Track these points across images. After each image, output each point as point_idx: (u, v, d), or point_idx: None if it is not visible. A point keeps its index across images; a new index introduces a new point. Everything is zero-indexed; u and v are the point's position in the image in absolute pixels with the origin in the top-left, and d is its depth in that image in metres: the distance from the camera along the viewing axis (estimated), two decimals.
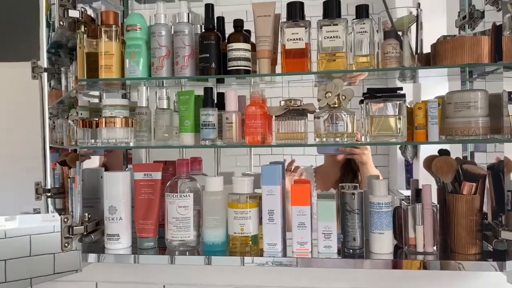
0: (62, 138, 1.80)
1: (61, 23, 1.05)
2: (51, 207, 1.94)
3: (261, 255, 1.01)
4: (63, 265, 2.02)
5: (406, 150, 1.39)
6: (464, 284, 1.10)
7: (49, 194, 1.88)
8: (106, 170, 1.20)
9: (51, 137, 1.92)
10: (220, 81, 1.15)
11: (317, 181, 1.25)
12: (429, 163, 1.07)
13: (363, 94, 1.05)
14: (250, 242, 1.02)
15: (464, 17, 1.11)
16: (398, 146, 1.40)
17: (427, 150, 1.38)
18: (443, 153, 1.04)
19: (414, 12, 1.01)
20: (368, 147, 1.22)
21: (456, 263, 0.95)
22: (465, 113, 0.96)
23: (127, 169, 1.30)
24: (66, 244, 1.01)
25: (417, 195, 1.06)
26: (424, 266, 0.96)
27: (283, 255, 1.01)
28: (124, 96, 1.31)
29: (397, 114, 0.99)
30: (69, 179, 1.61)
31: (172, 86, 1.20)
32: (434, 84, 1.20)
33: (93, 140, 1.12)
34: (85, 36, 1.12)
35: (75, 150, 1.76)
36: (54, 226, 2.04)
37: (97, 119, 1.16)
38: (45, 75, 1.87)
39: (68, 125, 1.67)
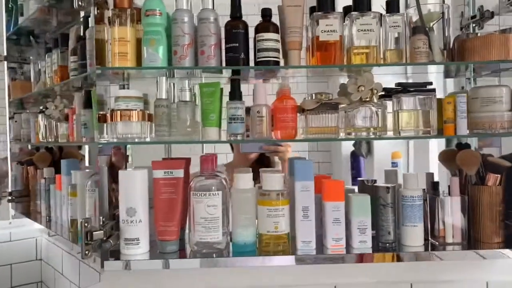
0: (27, 134, 1.62)
1: (79, 3, 0.93)
2: (12, 212, 1.74)
3: (295, 254, 0.98)
4: (23, 277, 1.82)
5: (360, 146, 1.43)
6: (497, 269, 1.14)
7: (9, 198, 1.69)
8: (112, 169, 1.09)
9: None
10: (236, 73, 1.09)
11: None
12: (446, 156, 1.11)
13: (390, 89, 1.05)
14: (286, 240, 0.98)
15: (473, 17, 1.16)
16: (353, 142, 1.44)
17: (382, 147, 1.44)
18: (465, 146, 1.08)
19: (440, 9, 1.03)
20: (291, 145, 1.23)
21: (486, 251, 0.98)
22: (492, 108, 1.00)
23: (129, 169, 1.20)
24: (86, 252, 0.89)
25: (434, 188, 1.09)
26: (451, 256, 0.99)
27: (317, 252, 0.99)
28: (123, 88, 1.20)
29: (427, 108, 1.00)
30: (44, 180, 1.46)
31: (183, 77, 1.12)
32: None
33: (106, 135, 1.01)
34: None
35: (46, 148, 1.60)
36: (11, 233, 1.84)
37: (102, 112, 1.05)
38: (4, 64, 1.67)
39: (36, 120, 1.50)
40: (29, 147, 1.75)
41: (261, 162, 1.23)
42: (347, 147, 1.40)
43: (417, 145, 1.37)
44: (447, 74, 1.19)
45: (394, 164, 1.34)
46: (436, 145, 1.32)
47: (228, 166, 1.25)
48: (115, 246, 0.97)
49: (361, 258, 0.98)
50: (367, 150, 1.43)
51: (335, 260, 0.98)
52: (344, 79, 1.18)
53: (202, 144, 1.23)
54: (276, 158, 1.26)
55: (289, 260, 0.98)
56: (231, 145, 1.28)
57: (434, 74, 1.17)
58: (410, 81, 1.16)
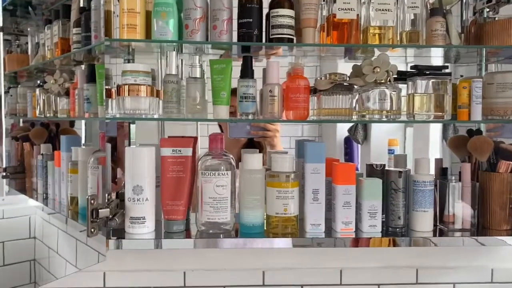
0: (23, 109, 1.58)
1: None
2: (6, 188, 1.70)
3: (303, 236, 0.97)
4: (16, 255, 1.80)
5: (356, 132, 1.42)
6: (502, 257, 1.14)
7: (4, 174, 1.65)
8: (114, 148, 1.05)
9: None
10: (245, 50, 1.06)
11: None
12: (457, 142, 1.09)
13: (403, 72, 1.03)
14: (294, 222, 0.96)
15: (489, 1, 1.14)
16: (348, 128, 1.43)
17: (379, 134, 1.42)
18: (476, 133, 1.06)
19: None
20: (280, 130, 1.21)
21: (497, 239, 0.98)
22: (508, 94, 0.98)
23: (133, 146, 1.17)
24: (92, 230, 0.87)
25: (443, 173, 1.08)
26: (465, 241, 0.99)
27: (327, 235, 0.97)
28: (127, 63, 1.16)
29: (441, 92, 0.99)
30: (41, 156, 1.42)
31: (191, 53, 1.08)
32: None
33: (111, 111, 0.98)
34: None
35: (42, 124, 1.55)
36: (4, 210, 1.81)
37: (107, 87, 1.02)
38: (0, 34, 1.61)
39: (34, 94, 1.46)
40: (21, 122, 1.70)
41: (252, 146, 1.20)
42: (341, 132, 1.38)
43: (416, 133, 1.36)
44: (446, 60, 1.17)
45: (391, 151, 1.33)
46: (439, 133, 1.31)
47: None
48: (119, 224, 0.95)
49: (367, 243, 0.97)
50: (364, 137, 1.41)
51: (344, 244, 0.97)
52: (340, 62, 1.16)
53: (196, 125, 1.20)
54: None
55: (297, 242, 0.96)
56: (220, 127, 1.25)
57: (434, 58, 1.15)
58: (410, 65, 1.15)
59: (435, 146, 1.32)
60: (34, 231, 1.76)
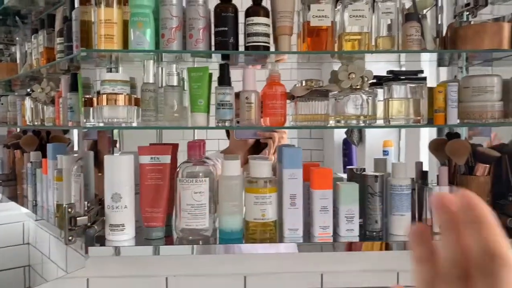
0: (14, 117, 1.60)
1: None
2: None
3: (282, 241, 0.98)
4: (11, 261, 1.81)
5: (352, 134, 1.42)
6: None
7: None
8: (96, 155, 1.07)
9: None
10: (225, 58, 1.07)
11: None
12: (436, 145, 1.10)
13: (381, 77, 1.04)
14: (273, 227, 0.97)
15: (467, 4, 1.14)
16: (345, 130, 1.43)
17: (373, 136, 1.42)
18: (454, 136, 1.07)
19: None
20: (287, 132, 1.21)
21: None
22: (483, 97, 0.99)
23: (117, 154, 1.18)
24: (70, 238, 0.88)
25: (423, 177, 1.09)
26: None
27: (304, 240, 0.98)
28: (110, 72, 1.18)
29: (418, 96, 0.99)
30: (30, 164, 1.44)
31: (171, 61, 1.09)
32: None
33: (91, 120, 0.99)
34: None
35: (34, 131, 1.57)
36: None
37: (88, 96, 1.03)
38: None
39: (23, 103, 1.48)
40: (18, 130, 1.72)
41: (258, 148, 1.21)
42: (340, 134, 1.39)
43: (408, 134, 1.36)
44: (440, 63, 1.18)
45: (386, 153, 1.33)
46: (427, 134, 1.31)
47: (225, 152, 1.23)
48: (100, 231, 0.96)
49: (348, 247, 0.98)
50: (359, 138, 1.42)
51: (322, 248, 0.98)
52: (337, 66, 1.17)
53: (193, 130, 1.21)
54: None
55: (275, 247, 0.97)
56: (226, 131, 1.26)
57: (427, 62, 1.16)
58: (403, 69, 1.16)
59: (427, 147, 1.32)
60: (28, 237, 1.78)
